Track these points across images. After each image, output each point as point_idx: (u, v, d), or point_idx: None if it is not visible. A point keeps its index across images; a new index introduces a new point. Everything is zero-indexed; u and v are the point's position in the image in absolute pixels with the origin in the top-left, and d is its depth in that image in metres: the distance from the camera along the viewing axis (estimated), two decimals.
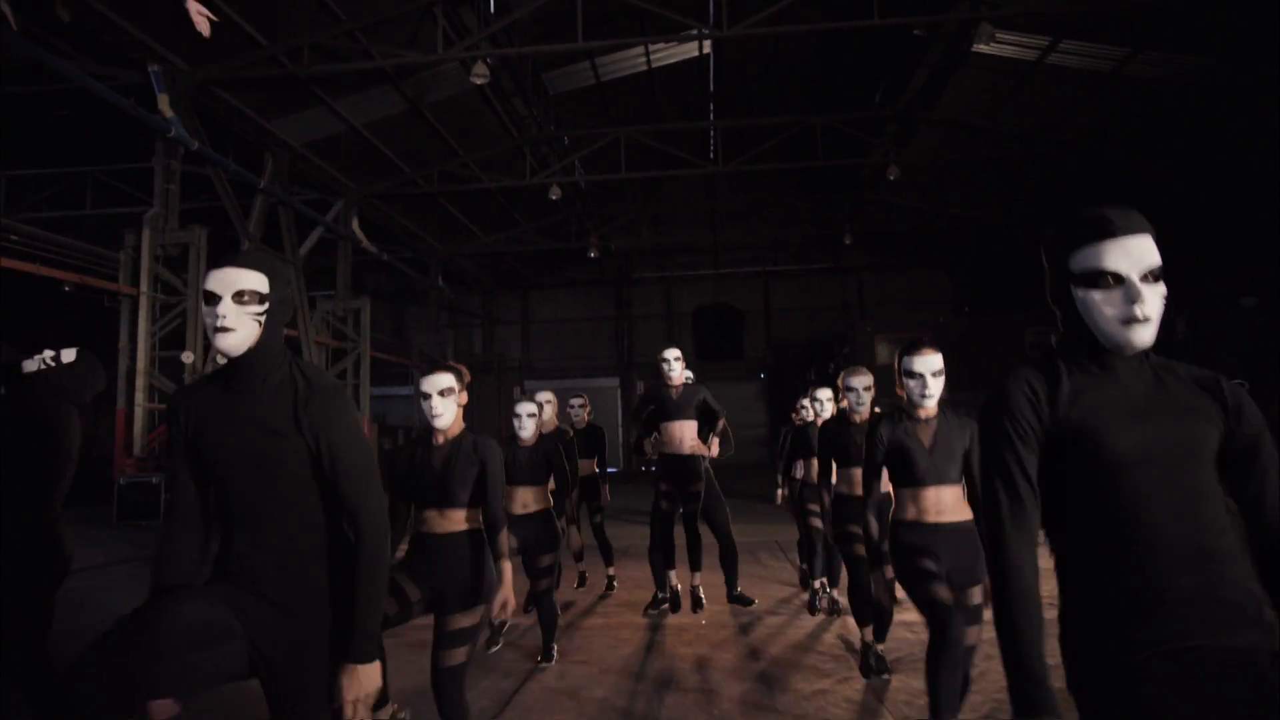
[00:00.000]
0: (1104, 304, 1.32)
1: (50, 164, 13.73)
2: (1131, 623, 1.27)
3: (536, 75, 12.83)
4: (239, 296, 1.67)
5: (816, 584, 5.01)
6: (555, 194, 13.90)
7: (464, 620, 2.55)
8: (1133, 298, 1.29)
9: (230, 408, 1.72)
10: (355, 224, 13.90)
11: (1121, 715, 1.24)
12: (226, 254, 1.74)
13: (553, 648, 4.11)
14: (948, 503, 2.77)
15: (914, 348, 2.79)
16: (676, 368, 4.97)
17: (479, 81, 9.52)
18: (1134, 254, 1.31)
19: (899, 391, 2.87)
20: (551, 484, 4.29)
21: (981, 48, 9.35)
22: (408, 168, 13.42)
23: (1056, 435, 1.35)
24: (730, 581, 5.15)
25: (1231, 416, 1.35)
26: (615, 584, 5.93)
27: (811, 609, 5.00)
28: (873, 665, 3.66)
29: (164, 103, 8.90)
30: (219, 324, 1.66)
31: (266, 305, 1.71)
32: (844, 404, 3.91)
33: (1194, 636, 1.23)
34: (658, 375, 5.06)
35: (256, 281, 1.70)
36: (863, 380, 3.80)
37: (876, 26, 8.77)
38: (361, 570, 1.69)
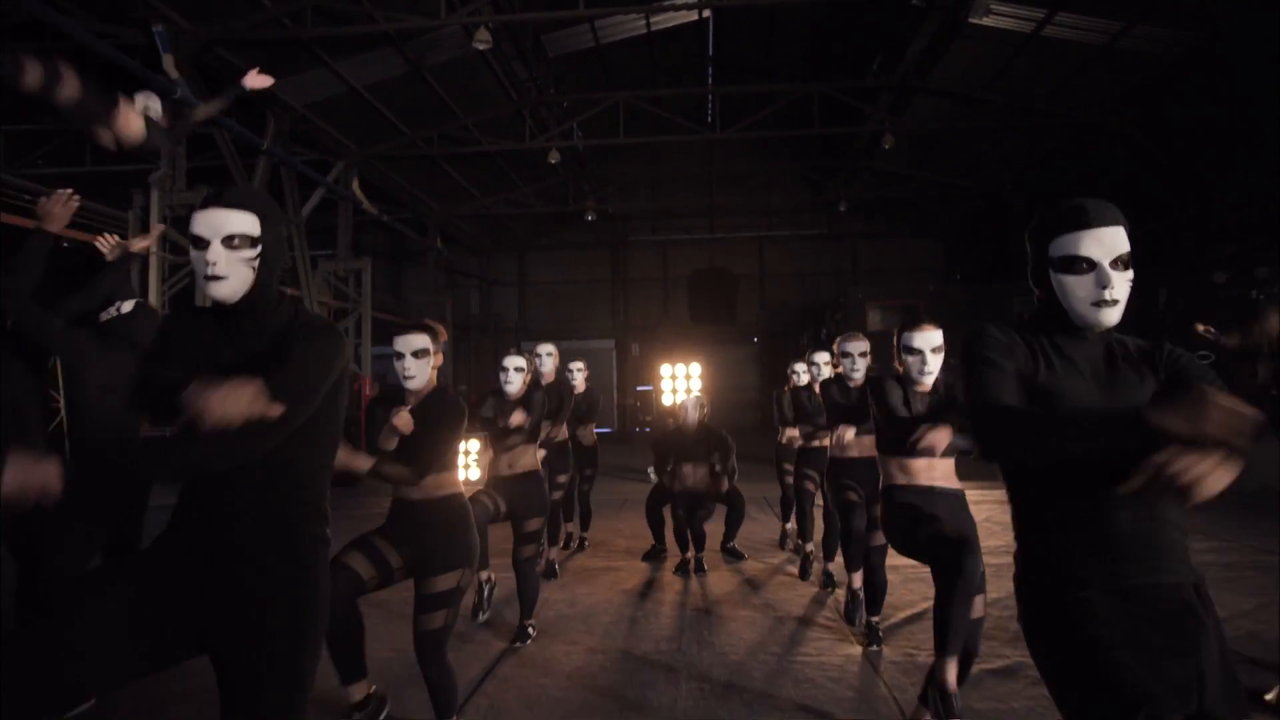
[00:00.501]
0: (1077, 287, 1.45)
1: (49, 120, 13.72)
2: (1080, 562, 1.39)
3: (536, 37, 12.85)
4: (229, 241, 1.56)
5: (809, 547, 5.07)
6: (554, 158, 14.02)
7: (444, 583, 2.52)
8: (1104, 282, 1.43)
9: (216, 339, 1.62)
10: (356, 185, 14.00)
11: (1068, 647, 1.36)
12: (211, 193, 1.61)
13: (529, 626, 3.77)
14: (940, 471, 2.78)
15: (914, 323, 2.77)
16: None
17: (481, 47, 9.63)
18: (1106, 243, 1.44)
19: (897, 366, 2.86)
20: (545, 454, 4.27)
21: (977, 20, 9.47)
22: (408, 130, 13.48)
23: (1021, 384, 1.47)
24: (729, 535, 5.58)
25: (1165, 368, 1.49)
26: (586, 544, 6.05)
27: (803, 574, 4.99)
28: (860, 627, 3.72)
29: (169, 63, 8.99)
30: (210, 271, 1.55)
31: (259, 249, 1.58)
32: (839, 369, 3.91)
33: (1136, 575, 1.37)
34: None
35: (247, 223, 1.57)
36: (858, 346, 3.79)
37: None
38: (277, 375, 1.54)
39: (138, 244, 3.28)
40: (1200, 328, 4.16)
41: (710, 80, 16.33)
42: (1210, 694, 1.31)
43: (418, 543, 2.60)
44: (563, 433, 5.16)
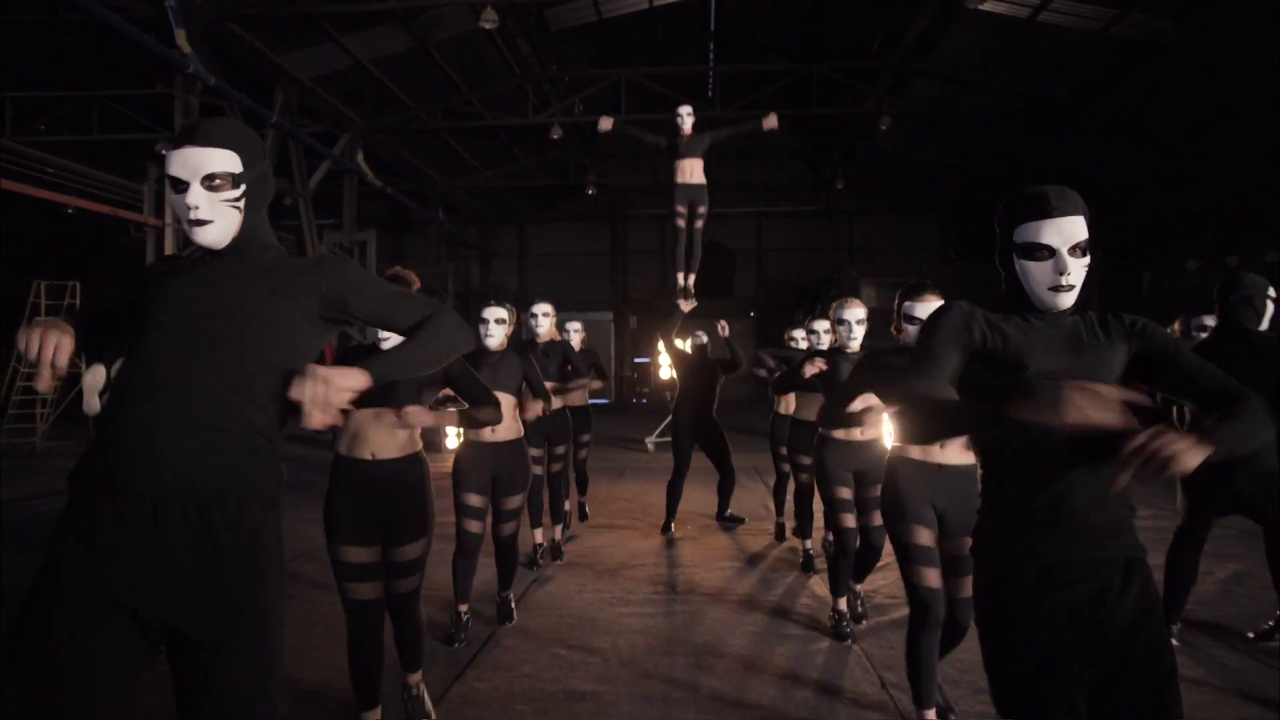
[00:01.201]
0: (1037, 272, 1.51)
1: (55, 88, 13.84)
2: (1028, 536, 1.47)
3: (539, 11, 12.98)
4: (209, 181, 1.43)
5: (809, 544, 4.88)
6: (556, 134, 14.22)
7: (416, 550, 2.49)
8: (1061, 269, 1.48)
9: (210, 272, 1.48)
10: (360, 157, 14.21)
11: (996, 617, 1.48)
12: (184, 129, 1.45)
13: (511, 605, 3.72)
14: (951, 445, 2.65)
15: (916, 291, 2.74)
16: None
17: (488, 26, 9.83)
18: (1065, 231, 1.48)
19: (894, 332, 2.82)
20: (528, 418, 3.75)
21: (974, 6, 9.68)
22: (412, 103, 13.66)
23: (986, 357, 1.53)
24: (723, 504, 6.02)
25: (1135, 338, 1.54)
26: (586, 511, 6.17)
27: (806, 568, 4.81)
28: (845, 619, 3.63)
29: (181, 38, 9.17)
30: (193, 215, 1.43)
31: (243, 188, 1.47)
32: (834, 339, 3.74)
33: (1075, 551, 1.44)
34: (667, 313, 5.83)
35: (226, 161, 1.44)
36: (855, 313, 3.56)
37: None
38: (427, 329, 1.53)
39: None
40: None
41: (711, 57, 16.45)
42: (1127, 655, 1.41)
43: (387, 508, 2.44)
44: (561, 399, 4.99)
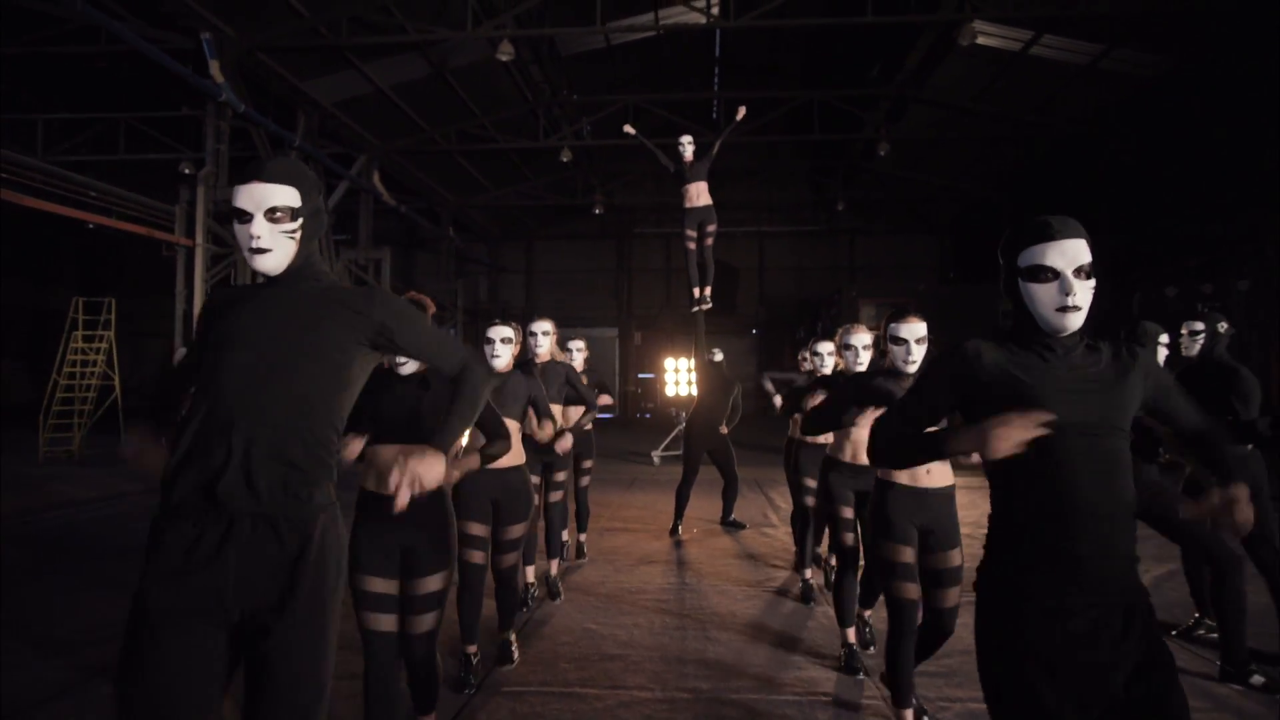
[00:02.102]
0: (1043, 294, 1.53)
1: (83, 110, 14.39)
2: (1032, 579, 1.48)
3: (551, 38, 13.52)
4: (271, 214, 1.58)
5: (809, 573, 4.68)
6: (566, 156, 14.72)
7: (436, 583, 2.45)
8: (1067, 290, 1.50)
9: (268, 301, 1.62)
10: (376, 177, 14.72)
11: (998, 658, 1.51)
12: (251, 166, 1.61)
13: (511, 644, 3.51)
14: (935, 468, 2.80)
15: (901, 315, 2.89)
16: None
17: (504, 58, 10.31)
18: (1069, 254, 1.51)
19: (881, 354, 3.00)
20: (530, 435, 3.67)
21: (966, 43, 10.17)
22: (427, 126, 14.19)
23: (996, 386, 1.54)
24: (727, 510, 6.49)
25: (1149, 379, 1.60)
26: (585, 551, 5.51)
27: (805, 599, 4.58)
28: (855, 655, 3.55)
29: (215, 68, 9.68)
30: (254, 244, 1.57)
31: (300, 220, 1.61)
32: (839, 364, 3.76)
33: (1077, 597, 1.46)
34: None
35: (288, 196, 1.59)
36: (861, 339, 3.59)
37: (870, 24, 9.61)
38: (465, 390, 1.70)
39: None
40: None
41: (716, 82, 17.00)
42: (1128, 696, 1.44)
43: (409, 541, 2.44)
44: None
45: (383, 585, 2.42)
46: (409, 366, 2.51)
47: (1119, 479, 1.48)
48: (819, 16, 10.92)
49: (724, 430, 6.41)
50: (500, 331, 3.40)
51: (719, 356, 6.70)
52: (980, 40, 11.04)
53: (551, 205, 20.18)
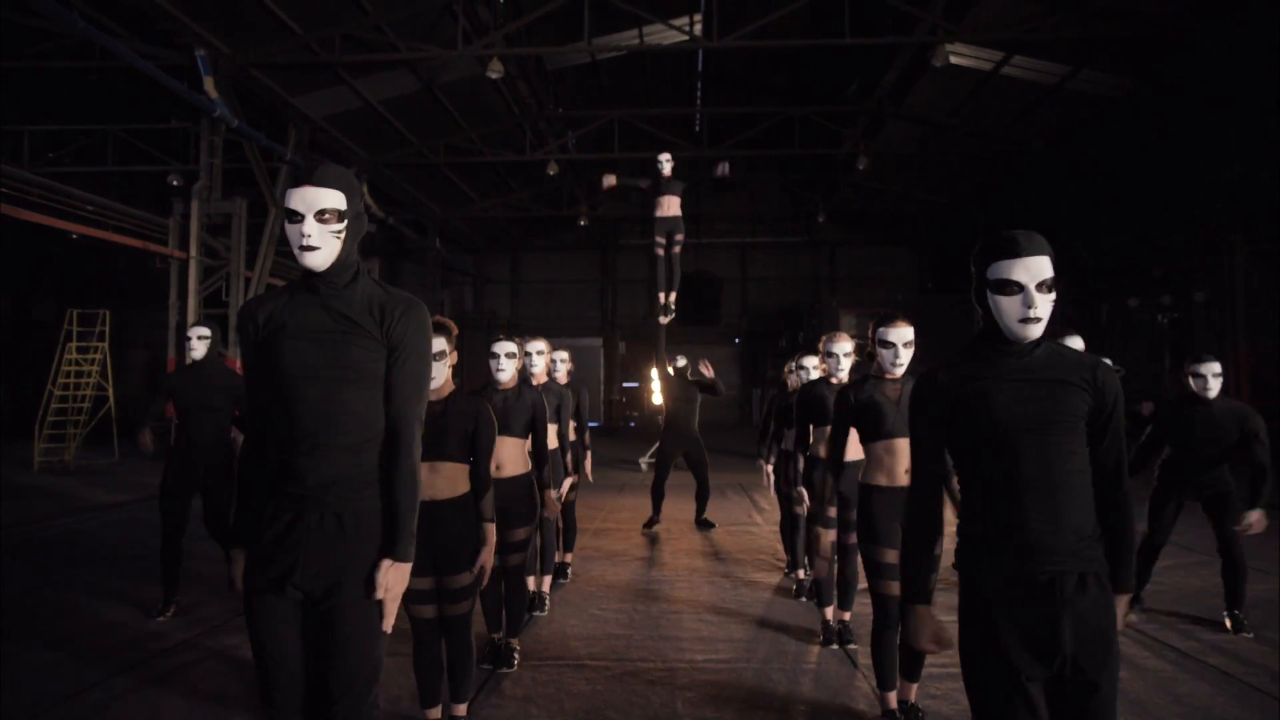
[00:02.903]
0: (1008, 306, 1.67)
1: (71, 121, 14.44)
2: (991, 549, 1.69)
3: (537, 56, 13.82)
4: (321, 215, 1.74)
5: (801, 573, 4.86)
6: (553, 169, 14.99)
7: (465, 579, 2.73)
8: (1029, 303, 1.65)
9: (307, 307, 1.79)
10: (365, 190, 14.89)
11: (968, 622, 1.72)
12: (304, 172, 1.77)
13: (514, 648, 3.62)
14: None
15: (889, 320, 3.00)
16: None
17: (494, 76, 10.57)
18: (1032, 269, 1.65)
19: (868, 359, 3.11)
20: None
21: (939, 64, 10.59)
22: (416, 140, 14.41)
23: (963, 401, 1.73)
24: (699, 510, 6.91)
25: (1097, 393, 1.71)
26: (570, 572, 5.34)
27: (800, 594, 4.79)
28: (835, 636, 3.86)
29: (209, 85, 9.85)
30: (305, 242, 1.73)
31: (345, 222, 1.78)
32: (823, 369, 3.88)
33: (1032, 567, 1.64)
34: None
35: (336, 200, 1.75)
36: (843, 346, 3.75)
37: (848, 45, 9.99)
38: (403, 474, 1.78)
39: None
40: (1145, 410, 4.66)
41: (699, 95, 17.36)
42: (1073, 658, 1.60)
43: (440, 543, 2.68)
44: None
45: (420, 583, 2.70)
46: (434, 382, 2.64)
47: (1066, 463, 1.66)
48: (799, 38, 11.29)
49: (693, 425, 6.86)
50: (505, 346, 3.52)
51: (682, 362, 7.10)
52: (953, 60, 11.48)
53: (537, 217, 20.44)
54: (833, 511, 3.76)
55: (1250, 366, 10.85)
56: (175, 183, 14.41)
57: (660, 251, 7.99)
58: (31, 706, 3.08)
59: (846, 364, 3.73)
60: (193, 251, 9.97)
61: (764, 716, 3.05)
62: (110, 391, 9.86)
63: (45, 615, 4.28)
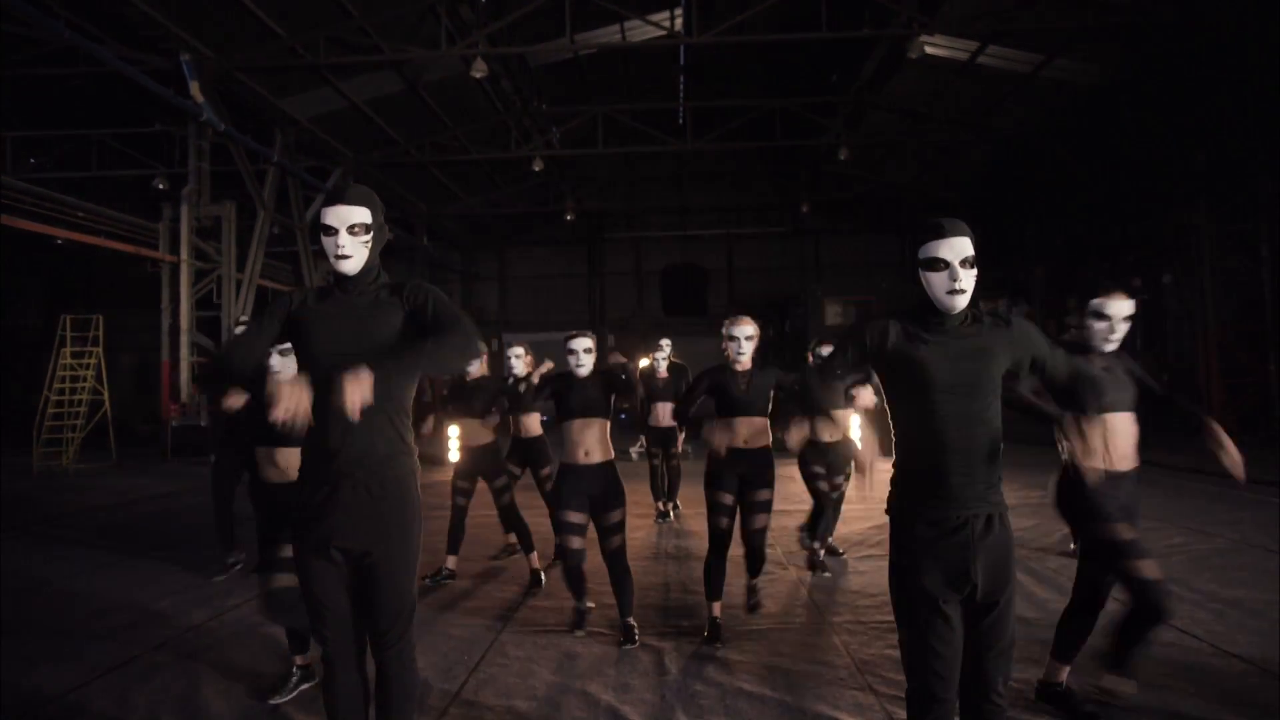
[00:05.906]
0: (936, 280, 1.90)
1: (54, 127, 14.44)
2: (917, 498, 1.95)
3: (521, 54, 13.94)
4: (352, 229, 2.01)
5: (817, 544, 4.97)
6: (538, 166, 15.13)
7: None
8: (954, 277, 1.88)
9: (339, 301, 2.08)
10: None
11: (895, 558, 1.98)
12: (335, 192, 2.06)
13: (632, 624, 3.71)
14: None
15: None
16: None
17: (478, 76, 10.70)
18: (956, 248, 1.89)
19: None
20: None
21: (914, 55, 10.81)
22: (401, 139, 14.52)
23: (895, 362, 1.95)
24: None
25: (1018, 343, 1.98)
26: (544, 578, 4.79)
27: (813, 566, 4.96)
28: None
29: (195, 89, 9.94)
30: (339, 253, 2.01)
31: (371, 234, 2.06)
32: (728, 353, 3.83)
33: (948, 509, 1.90)
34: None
35: (364, 215, 2.03)
36: (744, 330, 3.78)
37: (826, 38, 10.19)
38: (436, 339, 1.96)
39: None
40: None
41: (682, 89, 17.51)
42: (982, 584, 1.88)
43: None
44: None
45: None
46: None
47: (981, 426, 1.91)
48: (777, 32, 11.48)
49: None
50: (582, 343, 3.80)
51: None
52: (929, 50, 11.70)
53: (523, 212, 20.58)
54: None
55: (1219, 344, 11.17)
56: (161, 186, 14.46)
57: (656, 462, 7.10)
58: (86, 674, 3.34)
59: (748, 348, 3.77)
60: (184, 255, 10.07)
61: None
62: (106, 395, 9.96)
63: (83, 599, 4.47)
